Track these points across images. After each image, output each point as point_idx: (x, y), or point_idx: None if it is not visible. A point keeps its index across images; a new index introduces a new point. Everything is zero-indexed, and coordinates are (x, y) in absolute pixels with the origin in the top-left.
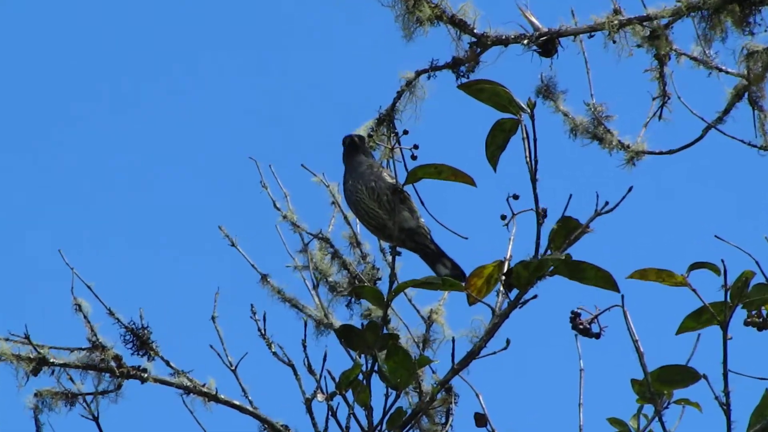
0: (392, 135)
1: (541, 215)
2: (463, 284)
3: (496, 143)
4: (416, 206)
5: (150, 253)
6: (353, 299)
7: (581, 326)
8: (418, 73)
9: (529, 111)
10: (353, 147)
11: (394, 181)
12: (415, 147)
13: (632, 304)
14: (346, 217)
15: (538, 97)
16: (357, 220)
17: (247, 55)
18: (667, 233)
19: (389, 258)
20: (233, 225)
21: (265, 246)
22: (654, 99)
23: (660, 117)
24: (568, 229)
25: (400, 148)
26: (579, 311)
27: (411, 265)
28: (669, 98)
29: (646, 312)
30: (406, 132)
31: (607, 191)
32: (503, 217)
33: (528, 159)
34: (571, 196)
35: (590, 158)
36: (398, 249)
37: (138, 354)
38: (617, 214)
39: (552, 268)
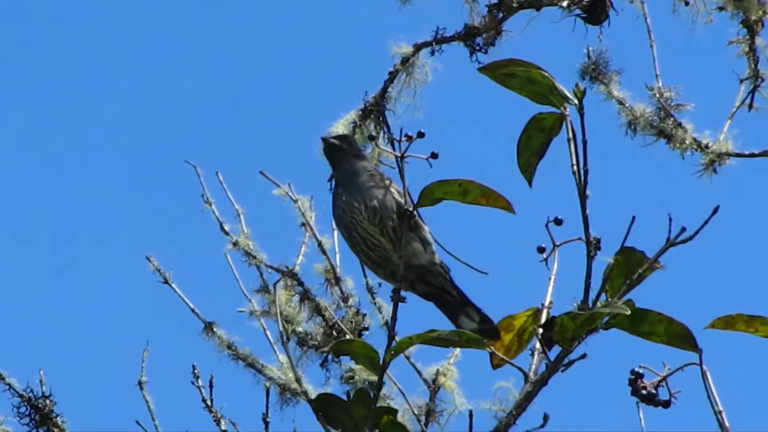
0: (384, 134)
1: (594, 246)
2: (486, 341)
3: (531, 147)
4: (430, 236)
5: (54, 292)
6: (331, 357)
7: (645, 391)
8: (418, 47)
9: (576, 102)
10: (336, 149)
11: (403, 199)
12: (434, 156)
13: (713, 362)
14: (320, 245)
15: (584, 80)
16: (339, 246)
17: (187, 16)
18: (761, 266)
19: (380, 300)
20: (166, 254)
21: (211, 283)
22: (742, 81)
23: (750, 106)
24: (631, 265)
25: (401, 157)
26: (641, 371)
27: (414, 313)
28: (762, 80)
29: (731, 372)
30: (421, 134)
31: (680, 208)
32: (541, 250)
33: (575, 167)
34: (634, 218)
35: (655, 162)
36: (403, 294)
37: None
38: (695, 242)
39: (607, 319)
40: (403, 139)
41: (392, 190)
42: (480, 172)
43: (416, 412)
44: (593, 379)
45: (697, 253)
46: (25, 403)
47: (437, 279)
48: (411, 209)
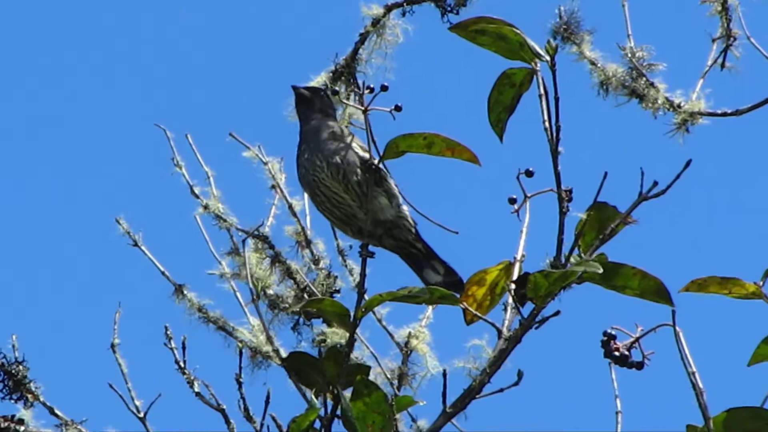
0: (354, 91)
1: (566, 199)
2: (458, 296)
3: (502, 103)
4: (396, 190)
5: (24, 257)
6: (302, 319)
7: (618, 353)
8: (389, 8)
9: (548, 58)
10: (305, 102)
11: (368, 154)
12: (398, 109)
13: (687, 323)
14: (291, 207)
15: (555, 40)
16: (309, 208)
17: None
18: (734, 225)
19: (351, 263)
20: (136, 217)
21: (181, 246)
22: (714, 41)
23: (723, 65)
24: (603, 220)
25: (365, 110)
26: (614, 332)
27: (383, 269)
28: (735, 39)
29: (705, 334)
30: (385, 88)
31: (653, 167)
32: (512, 201)
33: (547, 124)
34: (606, 174)
35: (628, 122)
36: (372, 249)
37: (11, 399)
38: (668, 198)
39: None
40: (366, 91)
41: (355, 145)
42: (452, 131)
43: (389, 376)
44: (567, 334)
45: (669, 211)
46: None
47: (403, 233)
48: (376, 162)
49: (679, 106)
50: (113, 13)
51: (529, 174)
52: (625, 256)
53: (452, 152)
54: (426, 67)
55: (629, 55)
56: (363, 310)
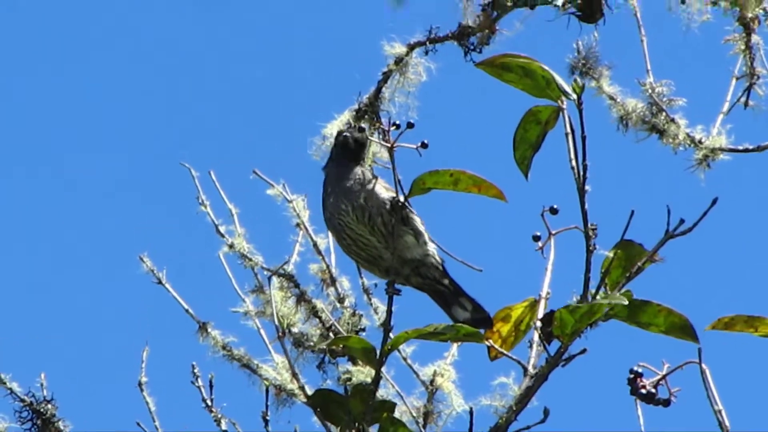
0: (379, 128)
1: (592, 237)
2: (483, 333)
3: (527, 140)
4: (423, 227)
5: (51, 295)
6: (327, 358)
7: (644, 390)
8: (411, 47)
9: (574, 96)
10: (350, 149)
11: (393, 193)
12: (424, 146)
13: (713, 361)
14: (315, 245)
15: (573, 75)
16: (334, 246)
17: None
18: (758, 262)
19: (376, 301)
20: (160, 255)
21: (205, 284)
22: (737, 79)
23: (746, 103)
24: (630, 258)
25: (391, 147)
26: (641, 370)
27: (410, 308)
28: (758, 78)
29: (731, 372)
30: (411, 125)
31: (673, 203)
32: (536, 239)
33: (574, 162)
34: (633, 212)
35: (648, 157)
36: (398, 287)
37: None
38: (691, 234)
39: (606, 310)
40: (392, 128)
41: (380, 186)
42: (477, 169)
43: (414, 414)
44: (592, 372)
45: (692, 248)
46: (27, 408)
47: (431, 271)
48: (402, 200)
49: (700, 141)
50: (139, 53)
51: (553, 212)
52: (651, 293)
53: (479, 189)
54: (449, 105)
55: (649, 90)
56: (389, 347)
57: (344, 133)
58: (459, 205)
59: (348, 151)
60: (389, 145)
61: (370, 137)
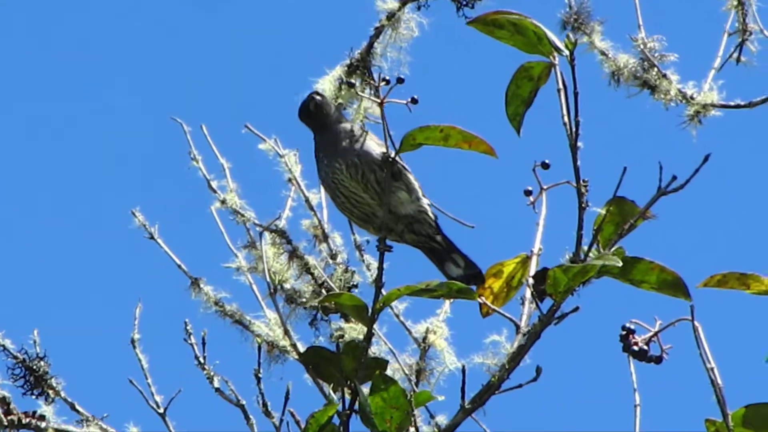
0: (370, 84)
1: (584, 193)
2: (475, 290)
3: (520, 96)
4: (417, 182)
5: (42, 251)
6: (320, 314)
7: (636, 347)
8: (404, 2)
9: (567, 52)
10: (320, 111)
11: (384, 149)
12: (413, 101)
13: (705, 318)
14: (308, 200)
15: (565, 30)
16: (327, 202)
17: None
18: (749, 218)
19: (368, 257)
20: (152, 210)
21: (197, 239)
22: (729, 34)
23: (738, 59)
24: (622, 215)
25: (381, 102)
26: (633, 327)
27: (402, 264)
28: (751, 34)
29: (723, 329)
30: (401, 80)
31: (665, 158)
32: (528, 193)
33: (566, 118)
34: (625, 169)
35: (639, 113)
36: (390, 243)
37: (32, 394)
38: (683, 191)
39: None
40: (382, 83)
41: (370, 142)
42: (468, 125)
43: (407, 372)
44: (585, 329)
45: (684, 204)
46: (20, 365)
47: (424, 227)
48: (393, 155)
49: (691, 97)
50: (129, 6)
51: (545, 166)
52: (644, 250)
53: (469, 144)
54: (441, 60)
55: (641, 45)
56: (381, 304)
57: (306, 100)
58: (450, 160)
59: (314, 113)
60: (379, 100)
61: (360, 93)
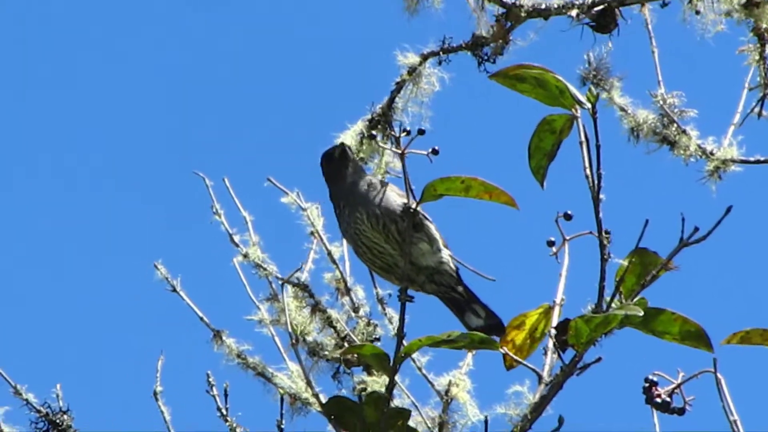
0: (391, 137)
1: (606, 244)
2: (498, 341)
3: (542, 149)
4: (438, 233)
5: (66, 304)
6: (342, 367)
7: (659, 399)
8: (425, 57)
9: (588, 105)
10: (344, 161)
11: (405, 200)
12: (435, 152)
13: (728, 371)
14: (330, 253)
15: (584, 86)
16: (349, 255)
17: (190, 24)
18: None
19: (390, 310)
20: (174, 263)
21: (219, 292)
22: (750, 89)
23: (760, 114)
24: (644, 266)
25: (402, 153)
26: (655, 378)
27: (424, 316)
28: None
29: (747, 381)
30: (422, 132)
31: (685, 214)
32: (551, 244)
33: (588, 171)
34: (647, 221)
35: (659, 168)
36: (411, 293)
37: None
38: (703, 244)
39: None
40: (403, 134)
41: (391, 193)
42: (490, 177)
43: (429, 424)
44: (607, 379)
45: (705, 257)
46: (43, 419)
47: (445, 278)
48: (414, 206)
49: (711, 153)
50: (154, 59)
51: (567, 217)
52: (666, 301)
53: (490, 195)
54: (463, 115)
55: (660, 101)
56: (403, 354)
57: (330, 149)
58: (473, 212)
59: (337, 163)
60: (400, 151)
61: (382, 145)
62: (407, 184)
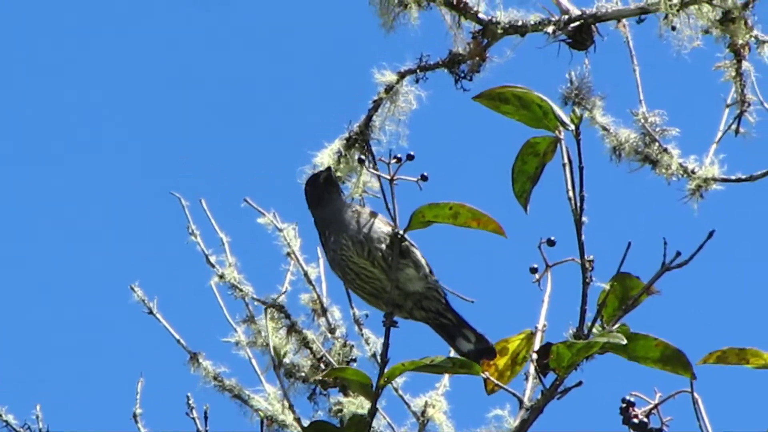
0: (369, 160)
1: (588, 269)
2: (480, 365)
3: (526, 173)
4: (424, 259)
5: (41, 327)
6: (318, 389)
7: (636, 419)
8: (402, 75)
9: (572, 126)
10: (329, 186)
11: (391, 227)
12: (424, 178)
13: (705, 391)
14: (306, 274)
15: (566, 105)
16: (326, 275)
17: (168, 40)
18: (750, 292)
19: (367, 331)
20: (151, 285)
21: (196, 314)
22: (728, 106)
23: (737, 131)
24: (626, 291)
25: (391, 180)
26: (633, 399)
27: (401, 338)
28: (749, 105)
29: (723, 401)
30: (411, 157)
31: (666, 233)
32: (533, 271)
33: (571, 193)
34: (630, 244)
35: (641, 188)
36: (396, 319)
37: None
38: (687, 268)
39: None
40: (392, 161)
41: (376, 220)
42: (469, 197)
43: None
44: (587, 403)
45: (688, 279)
46: None
47: (433, 303)
48: (402, 233)
49: (692, 171)
50: (127, 69)
51: (550, 243)
52: (646, 326)
53: (478, 223)
54: (440, 133)
55: (642, 120)
56: (385, 379)
57: (322, 175)
58: (458, 238)
59: (322, 188)
60: (389, 177)
61: (367, 168)
62: (394, 210)
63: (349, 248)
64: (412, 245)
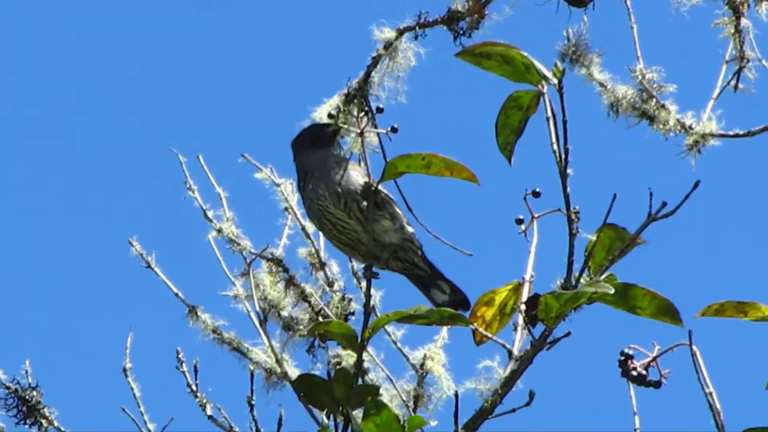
0: (362, 115)
1: (575, 220)
2: (467, 316)
3: (509, 126)
4: (401, 211)
5: (37, 280)
6: (316, 341)
7: (635, 372)
8: (401, 32)
9: (555, 80)
10: (329, 141)
11: (368, 179)
12: (393, 130)
13: (703, 343)
14: (304, 229)
15: (564, 62)
16: (321, 234)
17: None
18: (747, 246)
19: (365, 284)
20: (149, 239)
21: (194, 268)
22: (727, 63)
23: (736, 87)
24: (613, 241)
25: (371, 131)
26: (631, 352)
27: (398, 291)
28: (748, 61)
29: (722, 355)
30: (380, 110)
31: (665, 189)
32: (519, 222)
33: (556, 146)
34: (615, 195)
35: (638, 143)
36: (376, 270)
37: (25, 424)
38: (678, 219)
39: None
40: (388, 131)
41: (353, 172)
42: (461, 154)
43: (404, 398)
44: (577, 354)
45: (681, 232)
46: (12, 395)
47: (409, 255)
48: (375, 185)
49: (690, 127)
50: (126, 37)
51: (536, 195)
52: (635, 276)
53: (451, 172)
54: (438, 90)
55: (639, 76)
56: (370, 330)
57: (331, 128)
58: (443, 190)
59: (324, 140)
60: (358, 130)
61: (341, 125)
62: (366, 162)
63: (326, 198)
64: (389, 197)
